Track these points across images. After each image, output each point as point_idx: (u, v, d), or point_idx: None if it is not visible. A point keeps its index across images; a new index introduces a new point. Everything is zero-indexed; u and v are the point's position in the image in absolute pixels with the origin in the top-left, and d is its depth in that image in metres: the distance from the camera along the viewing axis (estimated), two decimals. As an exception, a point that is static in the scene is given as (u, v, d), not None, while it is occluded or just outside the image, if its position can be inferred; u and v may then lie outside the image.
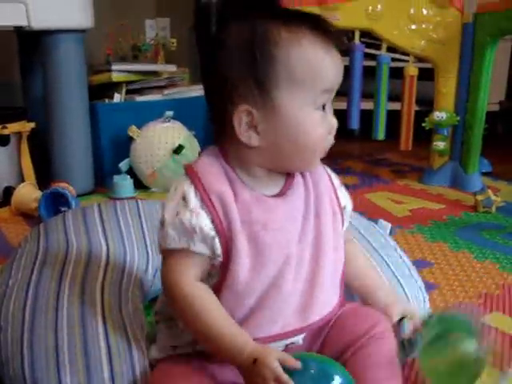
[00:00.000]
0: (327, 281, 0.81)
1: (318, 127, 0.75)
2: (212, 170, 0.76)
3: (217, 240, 0.74)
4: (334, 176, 0.88)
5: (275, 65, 0.72)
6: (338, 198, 0.85)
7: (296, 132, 0.74)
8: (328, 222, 0.82)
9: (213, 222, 0.74)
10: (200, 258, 0.75)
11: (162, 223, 0.76)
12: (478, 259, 1.50)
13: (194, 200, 0.74)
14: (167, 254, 0.78)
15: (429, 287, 1.26)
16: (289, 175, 0.81)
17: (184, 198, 0.75)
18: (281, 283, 0.76)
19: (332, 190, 0.85)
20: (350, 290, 0.92)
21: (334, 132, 0.78)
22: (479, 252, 1.55)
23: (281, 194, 0.79)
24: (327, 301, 0.82)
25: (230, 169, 0.77)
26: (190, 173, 0.76)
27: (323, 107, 0.76)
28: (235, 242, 0.74)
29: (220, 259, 0.75)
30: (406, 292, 1.04)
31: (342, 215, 0.85)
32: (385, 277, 1.02)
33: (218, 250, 0.74)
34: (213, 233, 0.73)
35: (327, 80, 0.75)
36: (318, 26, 0.76)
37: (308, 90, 0.74)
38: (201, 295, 0.75)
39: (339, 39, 0.78)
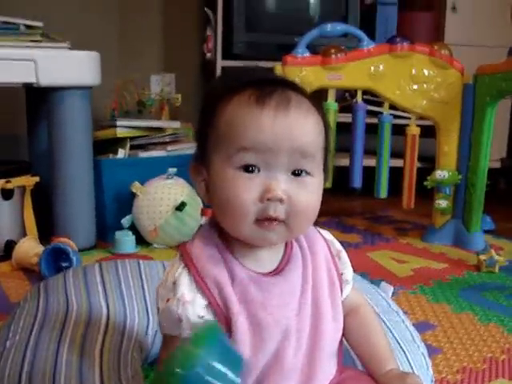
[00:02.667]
0: (326, 352, 0.79)
1: (241, 190, 0.70)
2: (206, 252, 0.75)
3: None
4: (333, 241, 0.85)
5: (210, 124, 0.74)
6: (336, 265, 0.83)
7: (219, 193, 0.72)
8: (325, 292, 0.80)
9: (210, 304, 0.72)
10: None
11: (157, 310, 0.76)
12: (481, 321, 1.48)
13: (183, 286, 0.72)
14: (165, 337, 0.78)
15: (432, 351, 1.25)
16: (286, 248, 0.79)
17: (174, 283, 0.73)
18: (282, 359, 0.74)
19: (330, 259, 0.83)
20: (354, 353, 0.90)
21: (272, 198, 0.70)
22: (483, 314, 1.53)
23: (278, 270, 0.77)
24: (327, 371, 0.80)
25: (224, 247, 0.76)
26: (185, 255, 0.75)
27: (251, 169, 0.71)
28: (235, 322, 0.72)
29: None
30: (408, 359, 1.03)
31: (341, 284, 0.83)
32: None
33: None
34: (201, 321, 0.72)
35: (244, 137, 0.70)
36: (264, 85, 0.73)
37: (225, 147, 0.71)
38: None
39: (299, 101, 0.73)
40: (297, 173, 0.72)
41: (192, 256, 0.75)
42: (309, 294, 0.78)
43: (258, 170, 0.71)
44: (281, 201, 0.70)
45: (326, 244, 0.84)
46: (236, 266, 0.74)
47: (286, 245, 0.80)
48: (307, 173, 0.73)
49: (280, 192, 0.70)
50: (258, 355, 0.73)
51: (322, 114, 0.77)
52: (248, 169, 0.70)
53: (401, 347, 1.04)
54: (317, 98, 0.87)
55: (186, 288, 0.72)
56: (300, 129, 0.72)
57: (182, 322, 0.72)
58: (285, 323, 0.75)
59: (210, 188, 0.75)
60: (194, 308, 0.72)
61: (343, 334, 0.85)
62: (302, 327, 0.76)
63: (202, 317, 0.72)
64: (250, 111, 0.71)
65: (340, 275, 0.83)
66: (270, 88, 0.73)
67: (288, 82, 0.77)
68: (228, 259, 0.75)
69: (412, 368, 1.01)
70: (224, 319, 0.72)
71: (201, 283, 0.72)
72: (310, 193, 0.73)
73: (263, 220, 0.71)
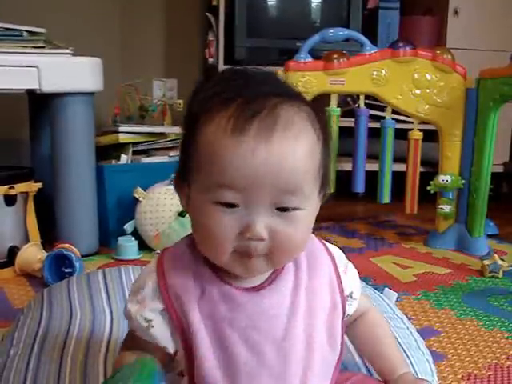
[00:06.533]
0: (319, 377, 0.72)
1: (220, 226, 0.64)
2: (180, 263, 0.71)
3: (158, 333, 0.69)
4: (339, 258, 0.79)
5: (193, 140, 0.66)
6: (341, 285, 0.76)
7: (197, 223, 0.67)
8: (322, 318, 0.73)
9: (167, 309, 0.69)
10: (151, 345, 0.70)
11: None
12: (485, 327, 1.48)
13: (146, 290, 0.70)
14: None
15: (436, 357, 1.24)
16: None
17: (144, 281, 0.71)
18: None
19: (334, 278, 0.76)
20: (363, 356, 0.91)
21: (253, 237, 0.64)
22: (487, 319, 1.53)
23: (259, 287, 0.71)
24: None
25: (202, 260, 0.70)
26: (159, 261, 0.72)
27: (231, 205, 0.63)
28: (195, 337, 0.68)
29: (179, 353, 0.70)
30: (413, 366, 1.02)
31: (344, 305, 0.76)
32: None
33: (166, 343, 0.70)
34: (146, 324, 0.69)
35: (222, 174, 0.62)
36: (249, 103, 0.63)
37: (204, 179, 0.64)
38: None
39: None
40: (282, 209, 0.65)
41: (164, 262, 0.72)
42: (299, 320, 0.71)
43: (239, 206, 0.64)
44: (262, 239, 0.64)
45: (331, 263, 0.77)
46: (209, 279, 0.70)
47: None
48: (294, 208, 0.65)
49: (261, 230, 0.63)
50: (229, 371, 0.68)
51: (322, 122, 0.69)
52: (228, 204, 0.64)
53: (406, 354, 1.04)
54: (320, 102, 0.82)
55: (148, 290, 0.70)
56: (285, 159, 0.63)
57: (139, 324, 0.70)
58: (259, 347, 0.69)
59: (190, 211, 0.70)
60: (145, 312, 0.69)
61: (351, 341, 0.85)
62: (287, 353, 0.70)
63: (150, 320, 0.69)
64: (227, 143, 0.62)
65: (344, 297, 0.77)
66: (254, 108, 0.63)
67: (282, 90, 0.68)
68: (202, 272, 0.70)
69: (417, 375, 1.00)
70: (182, 334, 0.69)
71: (164, 293, 0.69)
72: (296, 227, 0.66)
73: (242, 252, 0.65)
